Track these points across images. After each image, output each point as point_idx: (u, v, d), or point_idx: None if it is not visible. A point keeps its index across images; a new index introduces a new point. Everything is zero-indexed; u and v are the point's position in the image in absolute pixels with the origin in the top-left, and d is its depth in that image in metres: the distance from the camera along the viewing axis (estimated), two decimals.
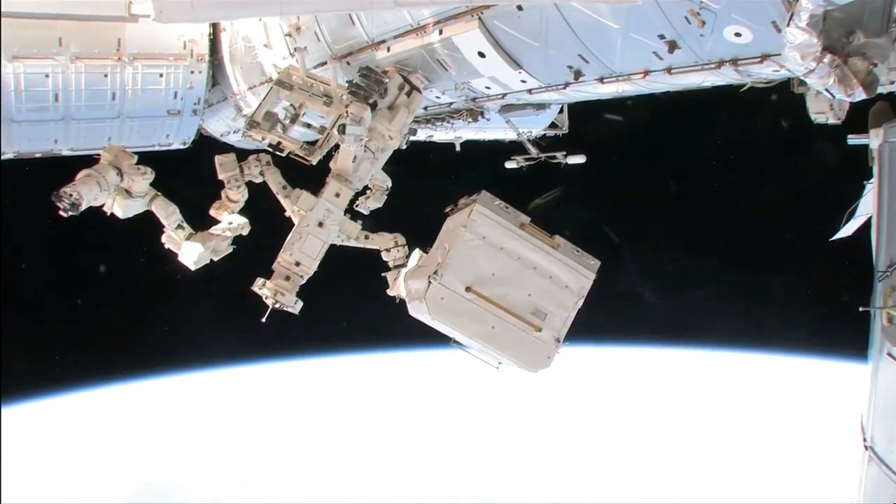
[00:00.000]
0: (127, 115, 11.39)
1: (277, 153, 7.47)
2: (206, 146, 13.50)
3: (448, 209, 7.39)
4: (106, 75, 10.77)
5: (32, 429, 32.24)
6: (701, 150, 24.08)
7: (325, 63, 8.34)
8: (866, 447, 7.95)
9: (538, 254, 6.90)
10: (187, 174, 10.98)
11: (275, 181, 7.83)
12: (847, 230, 9.47)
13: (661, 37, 5.09)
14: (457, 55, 6.83)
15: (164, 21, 4.26)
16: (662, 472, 32.65)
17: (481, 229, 6.81)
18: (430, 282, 6.64)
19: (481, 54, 6.58)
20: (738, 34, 4.63)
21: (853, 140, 8.43)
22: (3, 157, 11.11)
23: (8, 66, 10.02)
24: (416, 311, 7.01)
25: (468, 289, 6.70)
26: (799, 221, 23.74)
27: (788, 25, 4.02)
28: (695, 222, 26.25)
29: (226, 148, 12.96)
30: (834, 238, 9.96)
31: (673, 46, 5.09)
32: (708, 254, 27.11)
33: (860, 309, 7.43)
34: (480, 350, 7.02)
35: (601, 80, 6.25)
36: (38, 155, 11.51)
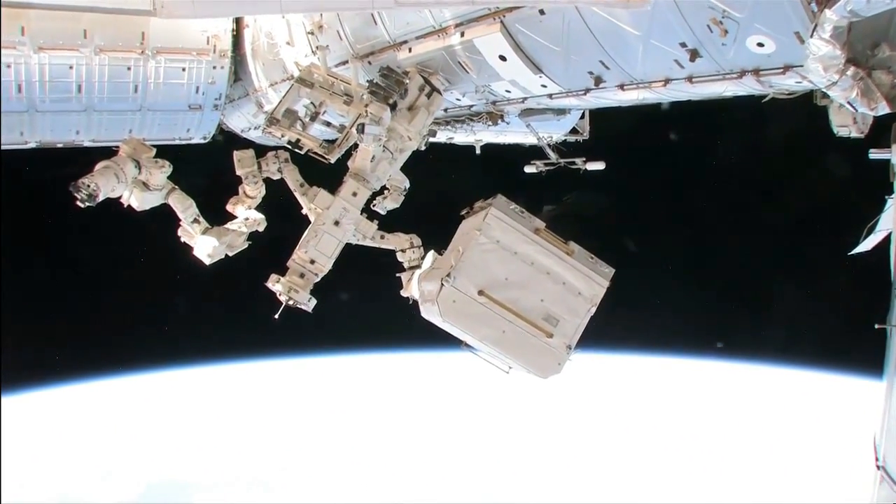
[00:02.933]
0: (148, 108, 11.49)
1: (296, 150, 7.50)
2: (226, 141, 13.58)
3: (464, 212, 7.38)
4: (129, 68, 10.87)
5: (43, 420, 32.57)
6: (721, 158, 23.98)
7: (346, 62, 8.35)
8: (878, 467, 7.85)
9: (552, 259, 6.87)
10: (206, 169, 11.05)
11: (292, 178, 7.86)
12: (866, 245, 9.37)
13: (683, 45, 5.05)
14: (478, 58, 6.82)
15: (166, 16, 4.27)
16: (669, 483, 32.50)
17: (496, 233, 6.79)
18: (442, 284, 6.63)
19: (502, 58, 6.57)
20: (760, 44, 4.59)
21: (875, 154, 8.33)
22: (26, 146, 11.23)
23: (33, 56, 10.12)
24: (429, 312, 7.00)
25: (481, 292, 6.67)
26: (818, 234, 23.57)
27: (812, 36, 3.98)
28: (713, 231, 26.13)
29: (245, 144, 13.02)
30: (853, 252, 9.87)
31: (694, 55, 5.05)
32: (725, 264, 26.98)
33: (876, 326, 7.36)
34: (491, 354, 7.00)
35: (622, 86, 6.23)
36: (59, 145, 11.62)
